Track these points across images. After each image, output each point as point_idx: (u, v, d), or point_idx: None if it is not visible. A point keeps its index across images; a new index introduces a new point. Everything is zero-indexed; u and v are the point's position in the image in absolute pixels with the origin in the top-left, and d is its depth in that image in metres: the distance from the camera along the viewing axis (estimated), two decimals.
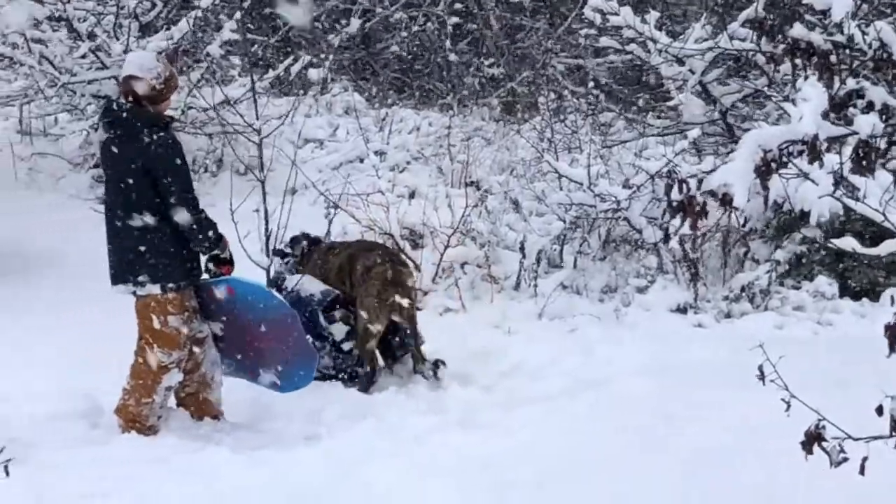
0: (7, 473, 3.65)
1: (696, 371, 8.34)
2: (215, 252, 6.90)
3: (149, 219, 6.54)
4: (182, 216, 6.57)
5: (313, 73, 17.12)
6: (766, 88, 11.30)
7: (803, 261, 10.54)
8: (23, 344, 8.65)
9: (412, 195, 13.01)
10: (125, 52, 12.95)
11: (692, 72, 11.69)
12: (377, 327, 8.19)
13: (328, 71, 18.12)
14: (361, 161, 14.36)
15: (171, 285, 6.65)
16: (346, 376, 8.27)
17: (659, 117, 13.54)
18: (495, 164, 14.31)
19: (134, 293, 6.71)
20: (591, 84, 17.60)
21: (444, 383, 8.24)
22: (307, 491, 6.03)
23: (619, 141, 13.07)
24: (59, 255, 11.17)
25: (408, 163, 14.43)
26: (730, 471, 6.06)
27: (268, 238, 8.75)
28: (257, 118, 9.02)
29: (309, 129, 14.82)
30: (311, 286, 8.40)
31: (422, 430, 7.14)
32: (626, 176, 11.33)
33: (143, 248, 6.57)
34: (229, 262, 7.02)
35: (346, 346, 8.32)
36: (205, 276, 7.02)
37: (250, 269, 8.47)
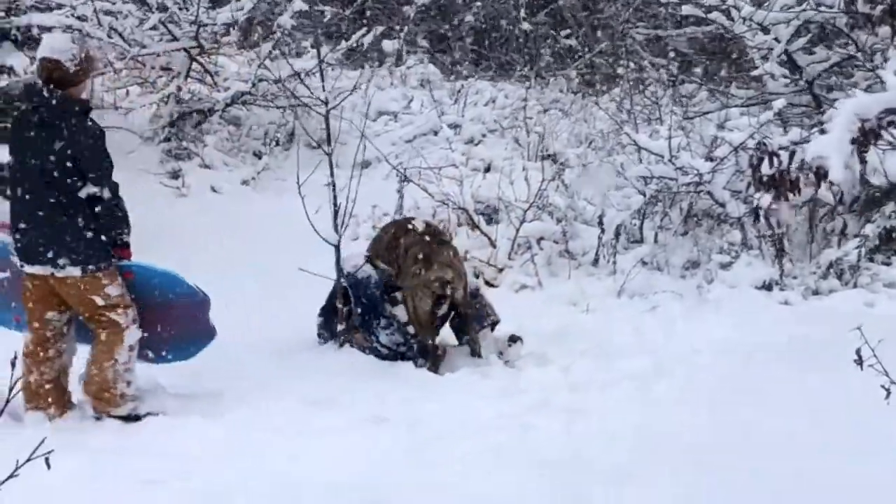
0: (49, 466, 3.40)
1: (783, 351, 8.01)
2: (121, 238, 6.68)
3: (70, 203, 6.42)
4: (104, 201, 6.44)
5: (387, 45, 16.89)
6: (857, 55, 10.86)
7: (894, 235, 10.08)
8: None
9: (487, 168, 12.77)
10: (194, 23, 12.82)
11: (777, 40, 11.26)
12: (424, 307, 7.94)
13: (403, 42, 17.88)
14: (435, 134, 14.20)
15: (91, 267, 6.51)
16: (416, 355, 8.01)
17: (742, 87, 13.07)
18: (573, 136, 13.97)
19: (52, 275, 6.55)
20: (671, 55, 17.11)
21: (520, 364, 7.97)
22: (372, 477, 5.74)
23: (700, 112, 12.63)
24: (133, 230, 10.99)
25: (483, 135, 14.22)
26: (826, 458, 5.68)
27: (336, 213, 8.48)
28: (324, 90, 8.74)
29: (382, 101, 14.63)
30: (368, 268, 8.25)
31: (495, 414, 6.83)
32: (708, 148, 10.94)
33: (63, 231, 6.45)
34: (128, 247, 6.78)
35: (411, 330, 8.07)
36: None
37: (318, 245, 8.23)
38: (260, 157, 13.73)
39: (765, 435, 6.15)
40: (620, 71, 16.05)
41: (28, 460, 3.46)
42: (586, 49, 19.87)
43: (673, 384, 7.32)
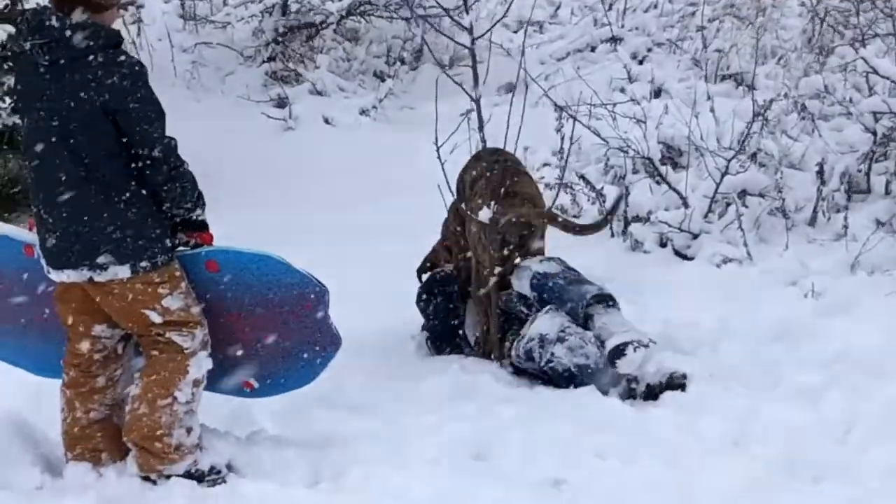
0: None
1: None
2: (193, 215, 5.00)
3: (109, 177, 4.79)
4: (160, 167, 4.81)
5: None
6: None
7: None
8: None
9: (657, 94, 10.61)
10: None
11: None
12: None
13: None
14: (593, 50, 12.45)
15: (143, 264, 4.78)
16: None
17: None
18: (758, 51, 11.67)
19: (90, 279, 4.82)
20: None
21: (742, 380, 5.82)
22: None
23: None
24: (227, 172, 9.70)
25: (648, 50, 12.22)
26: None
27: None
28: (466, 11, 6.81)
29: (524, 8, 12.56)
30: None
31: (728, 481, 4.84)
32: None
33: (102, 219, 4.79)
34: (207, 228, 5.11)
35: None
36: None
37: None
38: (383, 80, 12.23)
39: None
40: None
41: None
42: None
43: None
